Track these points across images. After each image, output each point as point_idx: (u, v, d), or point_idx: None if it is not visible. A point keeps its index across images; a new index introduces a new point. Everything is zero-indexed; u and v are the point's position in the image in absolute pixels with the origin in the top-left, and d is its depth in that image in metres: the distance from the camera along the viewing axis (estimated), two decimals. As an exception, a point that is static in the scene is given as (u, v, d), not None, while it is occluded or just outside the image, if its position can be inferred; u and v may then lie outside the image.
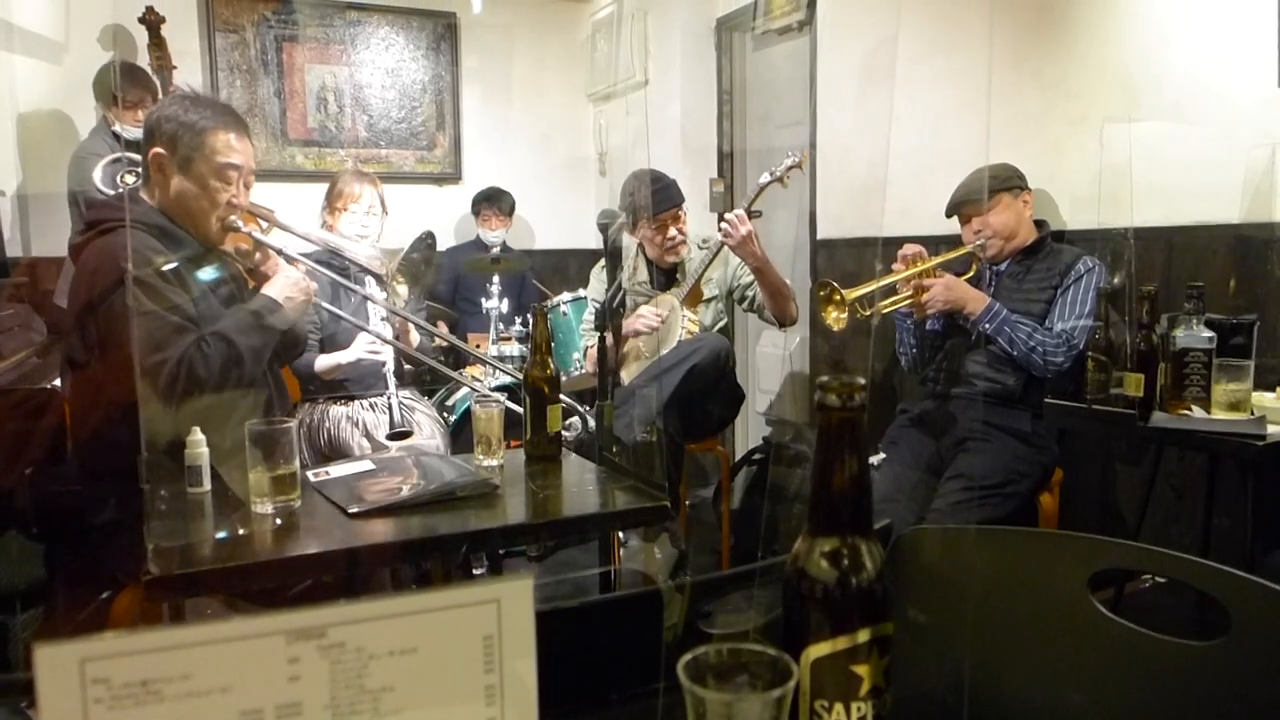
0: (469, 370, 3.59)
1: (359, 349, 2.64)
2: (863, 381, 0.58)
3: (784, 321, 3.02)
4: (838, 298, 2.42)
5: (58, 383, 2.14)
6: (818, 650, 0.59)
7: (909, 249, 2.50)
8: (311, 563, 1.41)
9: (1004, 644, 0.79)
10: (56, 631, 0.47)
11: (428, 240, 2.38)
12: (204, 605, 1.61)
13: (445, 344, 3.97)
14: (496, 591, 0.53)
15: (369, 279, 2.51)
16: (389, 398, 2.65)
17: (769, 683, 0.56)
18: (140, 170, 2.03)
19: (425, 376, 2.99)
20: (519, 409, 1.95)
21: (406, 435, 2.59)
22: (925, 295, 2.45)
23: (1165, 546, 0.77)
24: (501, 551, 2.27)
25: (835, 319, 2.43)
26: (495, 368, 3.06)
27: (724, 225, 2.79)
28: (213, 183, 1.92)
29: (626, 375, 2.99)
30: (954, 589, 0.81)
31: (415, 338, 2.76)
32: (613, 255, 2.24)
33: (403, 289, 2.34)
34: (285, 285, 2.03)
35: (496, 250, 4.38)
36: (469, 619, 0.52)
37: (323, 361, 2.67)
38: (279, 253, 2.07)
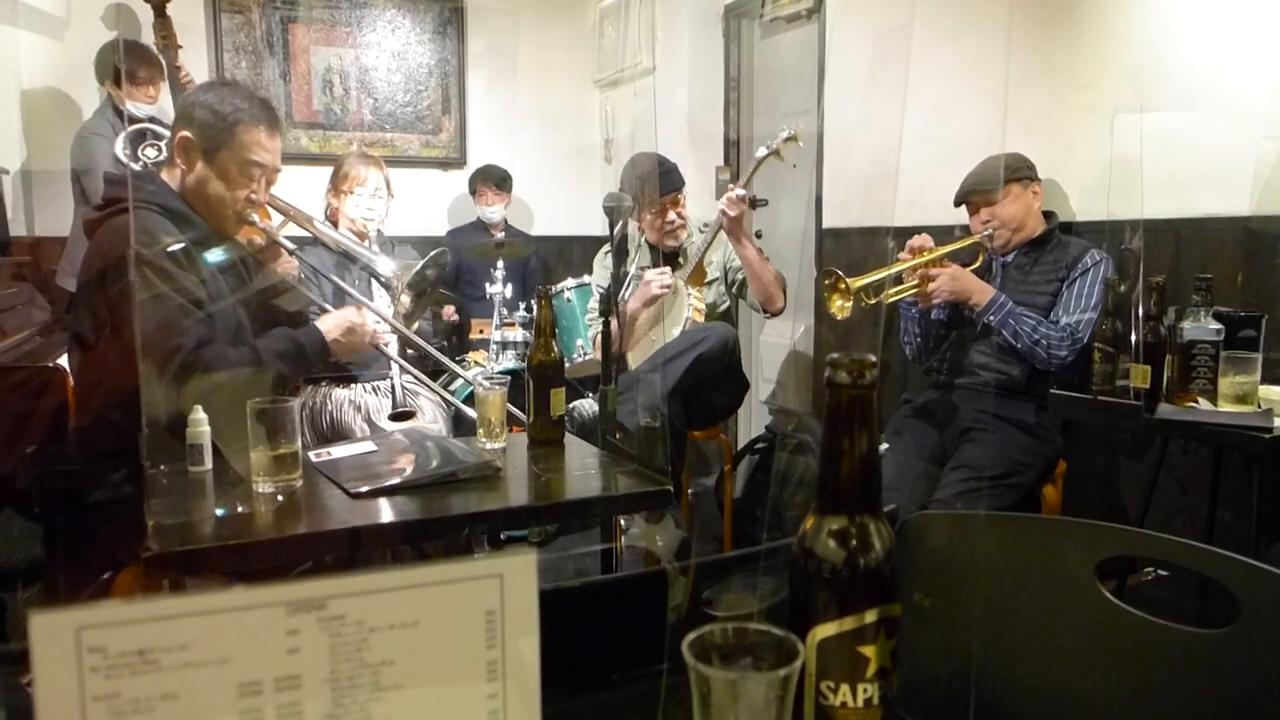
0: (472, 356, 3.58)
1: None
2: (874, 359, 0.57)
3: (768, 308, 3.00)
4: (843, 286, 2.41)
5: (61, 361, 2.13)
6: (824, 630, 0.58)
7: (916, 240, 2.48)
8: (312, 542, 1.40)
9: (1010, 630, 0.78)
10: (55, 606, 0.46)
11: (442, 259, 2.37)
12: (204, 586, 1.60)
13: (447, 327, 3.97)
14: (499, 566, 0.52)
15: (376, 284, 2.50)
16: (391, 380, 2.64)
17: (774, 664, 0.55)
18: (163, 144, 2.00)
19: (429, 360, 2.99)
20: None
21: (409, 416, 2.58)
22: (931, 285, 2.43)
23: (1169, 540, 0.76)
24: (503, 536, 2.26)
25: (840, 307, 2.42)
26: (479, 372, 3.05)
27: (724, 207, 2.80)
28: (235, 176, 1.90)
29: (633, 359, 2.98)
30: (960, 574, 0.80)
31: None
32: (619, 238, 2.23)
33: (406, 299, 2.33)
34: (341, 324, 1.96)
35: (501, 235, 4.36)
36: (471, 593, 0.51)
37: (326, 343, 2.66)
38: (292, 253, 2.05)
